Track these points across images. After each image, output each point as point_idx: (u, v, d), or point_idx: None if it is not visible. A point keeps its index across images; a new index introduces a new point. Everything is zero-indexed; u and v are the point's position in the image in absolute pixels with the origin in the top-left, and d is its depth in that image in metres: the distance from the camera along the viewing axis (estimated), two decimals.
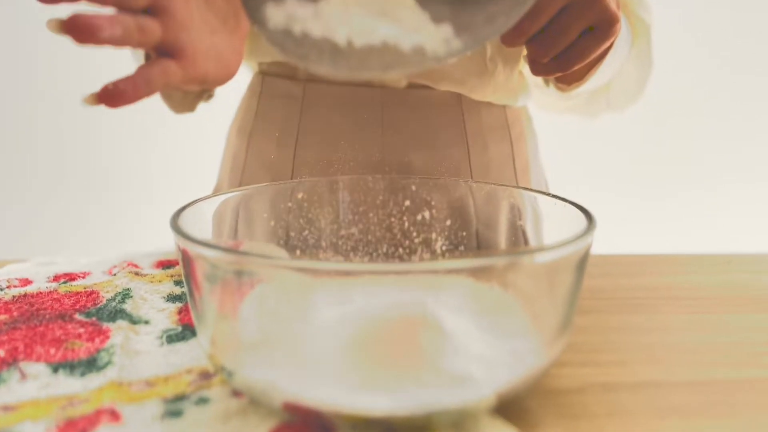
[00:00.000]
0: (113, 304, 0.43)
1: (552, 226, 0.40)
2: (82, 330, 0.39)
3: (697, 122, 1.74)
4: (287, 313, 0.32)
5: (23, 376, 0.34)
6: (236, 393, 0.32)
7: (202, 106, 0.63)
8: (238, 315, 0.31)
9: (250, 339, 0.32)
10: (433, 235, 0.49)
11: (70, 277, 0.48)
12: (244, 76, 0.69)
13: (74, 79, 1.62)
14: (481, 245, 0.52)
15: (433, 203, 0.48)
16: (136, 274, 0.49)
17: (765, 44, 1.70)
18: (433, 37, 0.34)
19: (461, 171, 0.62)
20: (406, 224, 0.49)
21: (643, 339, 0.40)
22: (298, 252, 0.48)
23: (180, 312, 0.43)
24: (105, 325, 0.40)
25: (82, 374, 0.34)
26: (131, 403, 0.31)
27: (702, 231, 1.68)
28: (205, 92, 0.61)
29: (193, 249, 0.30)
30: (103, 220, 1.68)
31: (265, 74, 0.65)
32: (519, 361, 0.30)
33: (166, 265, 0.52)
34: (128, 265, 0.50)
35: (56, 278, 0.48)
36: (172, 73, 0.37)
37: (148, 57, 0.56)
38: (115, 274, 0.49)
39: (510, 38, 0.40)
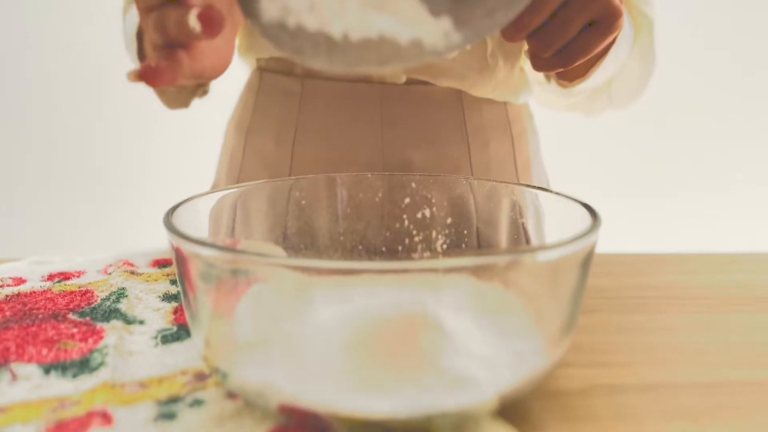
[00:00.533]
0: (108, 303, 0.42)
1: (554, 223, 0.40)
2: (75, 330, 0.39)
3: (701, 120, 1.73)
4: (284, 313, 0.31)
5: (14, 377, 0.33)
6: (231, 395, 0.31)
7: (200, 103, 0.63)
8: (234, 315, 0.31)
9: (246, 339, 0.31)
10: (433, 233, 0.48)
11: (65, 276, 0.48)
12: (241, 73, 0.68)
13: (68, 77, 1.62)
14: (481, 243, 0.51)
15: (433, 201, 0.48)
16: (132, 273, 0.48)
17: None
18: (432, 30, 0.33)
19: (462, 168, 0.61)
20: (406, 222, 0.48)
21: (649, 339, 0.40)
22: (295, 250, 0.47)
23: (176, 311, 0.42)
24: (99, 325, 0.39)
25: (74, 375, 0.33)
26: (124, 406, 0.30)
27: (706, 230, 1.67)
28: (199, 88, 0.60)
29: (186, 247, 0.29)
30: (99, 218, 1.68)
31: (262, 70, 0.64)
32: (521, 362, 0.30)
33: (162, 264, 0.51)
34: (124, 264, 0.50)
35: (50, 277, 0.48)
36: (185, 64, 0.38)
37: (141, 54, 0.56)
38: (110, 273, 0.48)
39: (511, 32, 0.39)
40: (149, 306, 0.43)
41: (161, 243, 0.53)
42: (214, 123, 0.78)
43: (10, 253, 0.56)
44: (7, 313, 0.41)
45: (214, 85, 0.59)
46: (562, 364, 0.35)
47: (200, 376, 0.33)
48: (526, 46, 0.44)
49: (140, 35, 0.54)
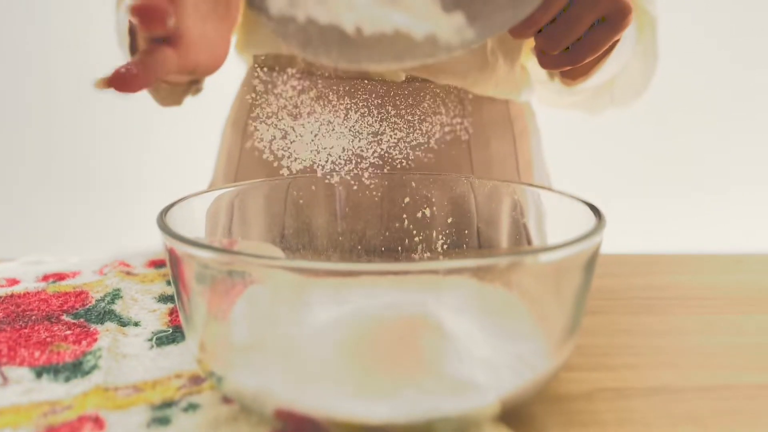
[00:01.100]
0: (102, 304, 0.42)
1: (556, 223, 0.39)
2: (68, 332, 0.38)
3: (706, 119, 1.72)
4: (280, 315, 0.31)
5: (5, 380, 0.32)
6: (227, 399, 0.31)
7: (197, 102, 0.62)
8: (229, 317, 0.30)
9: (242, 342, 0.31)
10: (434, 233, 0.47)
11: (59, 277, 0.47)
12: (238, 70, 0.67)
13: (63, 76, 1.61)
14: (482, 243, 0.50)
15: (433, 200, 0.47)
16: (128, 273, 0.47)
17: None
18: (445, 25, 0.33)
19: (462, 167, 0.60)
20: (406, 222, 0.47)
21: (655, 341, 0.39)
22: (293, 250, 0.47)
23: (171, 313, 0.41)
24: (93, 326, 0.39)
25: (67, 379, 0.33)
26: (116, 410, 0.30)
27: (711, 229, 1.66)
28: (193, 85, 0.59)
29: (180, 248, 0.29)
30: (95, 217, 1.67)
31: (260, 67, 0.63)
32: (525, 366, 0.29)
33: (158, 264, 0.50)
34: (119, 264, 0.49)
35: (45, 278, 0.47)
36: (170, 61, 0.36)
37: (133, 50, 0.55)
38: (105, 274, 0.47)
39: (520, 29, 0.39)
40: (145, 307, 0.42)
41: (158, 243, 0.53)
42: (212, 121, 0.77)
43: (3, 254, 0.55)
44: (0, 315, 0.40)
45: (212, 83, 0.58)
46: (566, 367, 0.34)
47: (195, 380, 0.33)
48: (532, 44, 0.43)
49: (133, 31, 0.54)
